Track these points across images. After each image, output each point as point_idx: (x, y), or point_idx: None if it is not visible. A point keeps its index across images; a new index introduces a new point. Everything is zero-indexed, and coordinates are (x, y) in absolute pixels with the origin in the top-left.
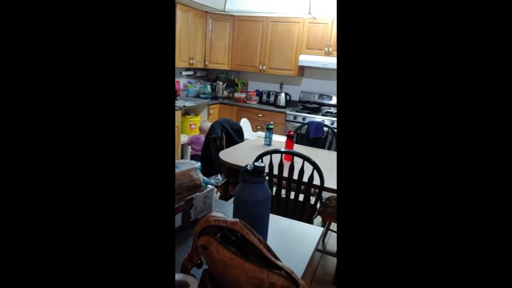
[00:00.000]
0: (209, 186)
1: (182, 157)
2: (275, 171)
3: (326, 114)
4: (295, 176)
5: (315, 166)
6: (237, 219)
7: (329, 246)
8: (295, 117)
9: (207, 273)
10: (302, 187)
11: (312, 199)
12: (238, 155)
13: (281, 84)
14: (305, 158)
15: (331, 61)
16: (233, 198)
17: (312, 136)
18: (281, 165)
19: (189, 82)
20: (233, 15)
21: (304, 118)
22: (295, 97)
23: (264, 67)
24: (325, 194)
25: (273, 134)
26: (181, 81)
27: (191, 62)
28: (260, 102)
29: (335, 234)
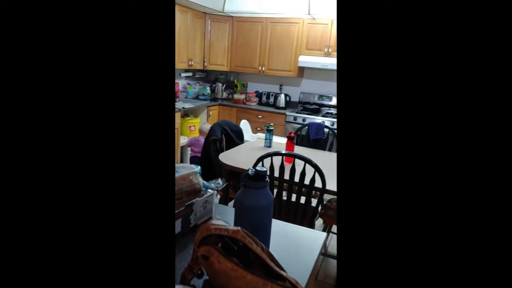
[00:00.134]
0: (209, 190)
1: (181, 159)
2: (276, 174)
3: (326, 115)
4: (297, 179)
5: (317, 169)
6: (239, 227)
7: (330, 249)
8: (295, 118)
9: (208, 284)
10: (304, 189)
11: (314, 201)
12: (238, 158)
13: (281, 85)
14: (307, 161)
15: (331, 62)
16: (233, 201)
17: (313, 138)
18: (282, 168)
19: (188, 84)
20: (232, 16)
21: (304, 119)
22: (294, 98)
23: (263, 68)
24: (327, 197)
25: (273, 136)
26: (180, 83)
27: (190, 63)
28: (260, 103)
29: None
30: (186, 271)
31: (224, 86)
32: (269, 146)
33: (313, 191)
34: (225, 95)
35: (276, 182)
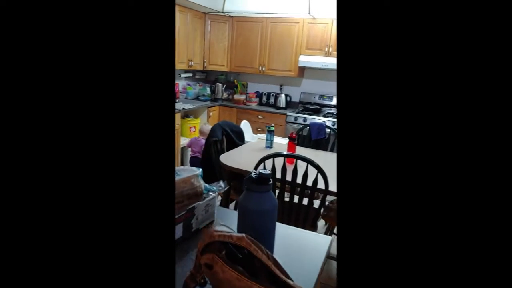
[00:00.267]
0: (211, 193)
1: (182, 160)
2: (278, 175)
3: (327, 115)
4: (299, 180)
5: (319, 170)
6: (244, 234)
7: (333, 251)
8: (295, 118)
9: None
10: (306, 191)
11: (316, 202)
12: (239, 159)
13: (281, 85)
14: (309, 162)
15: (332, 62)
16: (234, 203)
17: (314, 138)
18: (284, 169)
19: (188, 84)
20: (231, 16)
21: (305, 120)
22: (295, 98)
23: (263, 68)
24: (330, 198)
25: (274, 136)
26: (180, 83)
27: (190, 64)
28: (260, 103)
29: None
30: (188, 279)
31: (224, 86)
32: (270, 147)
33: (316, 193)
34: (225, 95)
35: (278, 184)
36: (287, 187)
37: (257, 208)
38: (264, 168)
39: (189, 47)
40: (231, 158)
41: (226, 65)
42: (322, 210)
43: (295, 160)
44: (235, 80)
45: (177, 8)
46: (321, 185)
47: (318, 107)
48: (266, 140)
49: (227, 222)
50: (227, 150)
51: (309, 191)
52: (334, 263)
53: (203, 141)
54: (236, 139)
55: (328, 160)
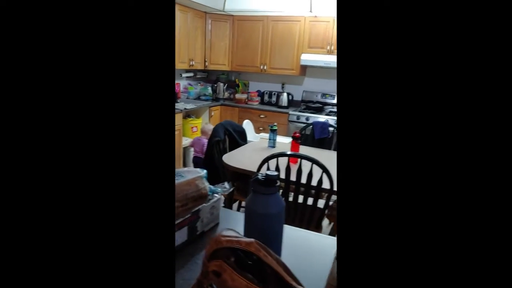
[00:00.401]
0: (216, 195)
1: (184, 160)
2: (282, 175)
3: (329, 113)
4: (303, 180)
5: (324, 169)
6: (253, 239)
7: None
8: (298, 117)
9: None
10: (311, 191)
11: (321, 202)
12: (242, 159)
13: (283, 84)
14: (314, 161)
15: (333, 60)
16: (237, 203)
17: (318, 137)
18: (288, 169)
19: (190, 84)
20: (232, 15)
21: (307, 118)
22: (297, 97)
23: (265, 67)
24: (335, 197)
25: (277, 136)
26: (181, 83)
27: (191, 63)
28: (262, 102)
29: None
30: (195, 287)
31: (225, 86)
32: (273, 147)
33: (321, 192)
34: (226, 95)
35: (282, 184)
36: (291, 187)
37: (264, 211)
38: (268, 168)
39: (190, 47)
40: (234, 158)
41: (227, 64)
42: (326, 210)
43: (298, 159)
44: (237, 79)
45: (177, 8)
46: (326, 184)
47: (321, 105)
48: (269, 139)
49: (231, 223)
50: (230, 150)
51: (314, 191)
52: None
53: (205, 140)
54: (238, 139)
55: (332, 159)
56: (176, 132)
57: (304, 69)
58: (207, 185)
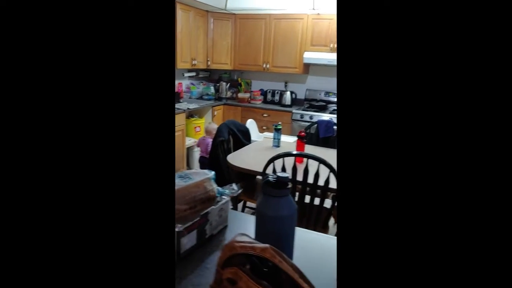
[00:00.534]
0: (224, 197)
1: (187, 161)
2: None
3: (333, 111)
4: (310, 180)
5: (332, 169)
6: (268, 245)
7: None
8: (301, 116)
9: None
10: (318, 190)
11: (328, 202)
12: (247, 159)
13: (286, 83)
14: (321, 161)
15: None
16: (242, 203)
17: (322, 136)
18: (294, 169)
19: (192, 84)
20: (234, 14)
21: (311, 117)
22: (300, 96)
23: (268, 66)
24: None
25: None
26: (183, 83)
27: (193, 63)
28: (265, 101)
29: None
30: None
31: (228, 85)
32: (278, 146)
33: (327, 192)
34: (229, 94)
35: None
36: (297, 187)
37: (275, 214)
38: (274, 168)
39: (192, 46)
40: (239, 158)
41: (230, 63)
42: (333, 210)
43: (303, 159)
44: (239, 78)
45: (179, 7)
46: (333, 184)
47: (324, 103)
48: (274, 139)
49: (240, 226)
50: (234, 150)
51: (321, 191)
52: None
53: (209, 140)
54: (242, 138)
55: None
56: (179, 133)
57: (307, 67)
58: (215, 187)
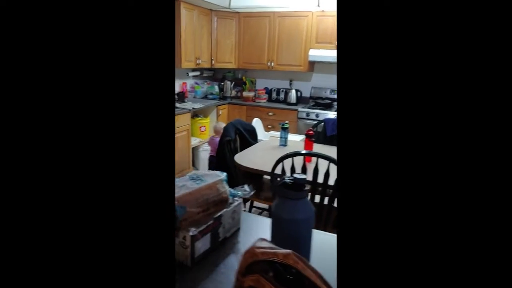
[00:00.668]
0: (236, 199)
1: (193, 161)
2: None
3: None
4: (320, 179)
5: None
6: (290, 251)
7: None
8: (307, 114)
9: None
10: (328, 190)
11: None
12: (255, 158)
13: (291, 81)
14: (332, 160)
15: None
16: (249, 203)
17: (330, 134)
18: (304, 168)
19: (196, 83)
20: (238, 12)
21: (317, 115)
22: (305, 94)
23: (272, 64)
24: None
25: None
26: (188, 82)
27: (197, 62)
28: (270, 100)
29: None
30: None
31: (232, 84)
32: (285, 145)
33: (337, 192)
34: (233, 93)
35: None
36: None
37: (292, 217)
38: (283, 168)
39: (196, 45)
40: (246, 158)
41: (234, 62)
42: None
43: (312, 158)
44: (243, 77)
45: (183, 6)
46: None
47: (330, 101)
48: (280, 137)
49: (252, 228)
50: (241, 150)
51: (331, 191)
52: None
53: (217, 139)
54: (249, 137)
55: None
56: (184, 133)
57: (312, 65)
58: (227, 188)
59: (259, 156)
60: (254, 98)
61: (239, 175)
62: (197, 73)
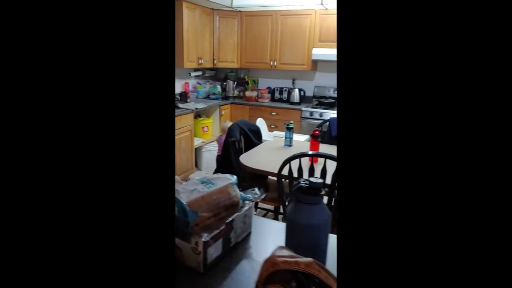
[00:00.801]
0: (247, 202)
1: (196, 161)
2: (305, 176)
3: None
4: (328, 181)
5: None
6: (312, 259)
7: None
8: (311, 113)
9: None
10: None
11: None
12: (260, 159)
13: (294, 80)
14: None
15: None
16: (256, 206)
17: (335, 134)
18: (312, 169)
19: (198, 83)
20: (240, 11)
21: (321, 114)
22: (309, 93)
23: (275, 63)
24: None
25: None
26: (190, 82)
27: (200, 62)
28: (273, 99)
29: None
30: None
31: (235, 83)
32: (290, 145)
33: None
34: (236, 93)
35: None
36: None
37: (308, 222)
38: (290, 169)
39: (198, 45)
40: (252, 159)
41: (236, 62)
42: None
43: (318, 159)
44: (246, 77)
45: (185, 5)
46: None
47: (333, 100)
48: (285, 138)
49: (263, 232)
50: (246, 150)
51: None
52: None
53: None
54: (254, 138)
55: None
56: (188, 133)
57: (315, 64)
58: (238, 192)
59: (264, 156)
60: (256, 97)
61: (244, 176)
62: (199, 73)
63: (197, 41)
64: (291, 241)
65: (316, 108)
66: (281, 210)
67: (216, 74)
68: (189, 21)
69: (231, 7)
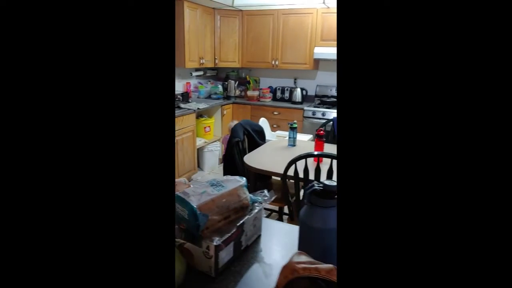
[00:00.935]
0: (256, 205)
1: (198, 162)
2: (311, 176)
3: None
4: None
5: None
6: (332, 265)
7: None
8: (313, 113)
9: None
10: None
11: None
12: (264, 159)
13: (295, 79)
14: None
15: None
16: (260, 207)
17: None
18: (318, 169)
19: (200, 83)
20: (241, 10)
21: (323, 114)
22: (310, 92)
23: (277, 62)
24: None
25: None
26: (191, 82)
27: (201, 61)
28: (274, 99)
29: None
30: None
31: (236, 83)
32: (294, 145)
33: None
34: (237, 92)
35: None
36: None
37: (322, 226)
38: (296, 169)
39: (199, 45)
40: (256, 159)
41: (238, 61)
42: None
43: (323, 159)
44: (247, 76)
45: (186, 5)
46: None
47: (336, 99)
48: (289, 137)
49: (273, 235)
50: (249, 150)
51: None
52: None
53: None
54: (257, 138)
55: None
56: (190, 133)
57: (317, 63)
58: (248, 194)
59: (269, 157)
60: (258, 97)
61: (249, 177)
62: (201, 72)
63: (198, 40)
64: (305, 246)
65: (319, 107)
66: (286, 211)
67: (218, 74)
68: (190, 21)
69: (232, 7)
